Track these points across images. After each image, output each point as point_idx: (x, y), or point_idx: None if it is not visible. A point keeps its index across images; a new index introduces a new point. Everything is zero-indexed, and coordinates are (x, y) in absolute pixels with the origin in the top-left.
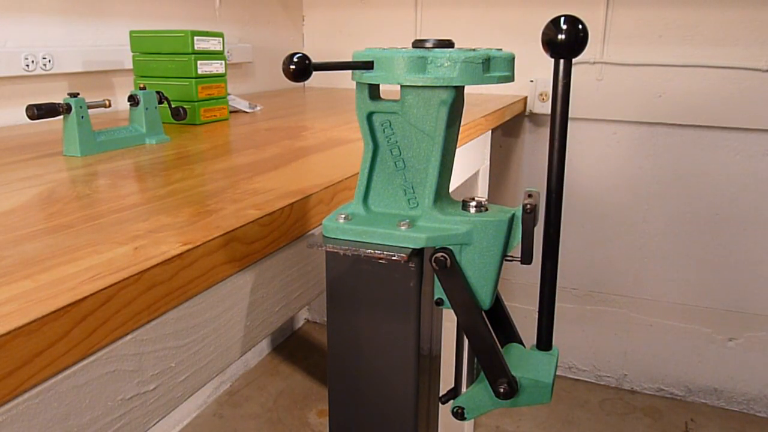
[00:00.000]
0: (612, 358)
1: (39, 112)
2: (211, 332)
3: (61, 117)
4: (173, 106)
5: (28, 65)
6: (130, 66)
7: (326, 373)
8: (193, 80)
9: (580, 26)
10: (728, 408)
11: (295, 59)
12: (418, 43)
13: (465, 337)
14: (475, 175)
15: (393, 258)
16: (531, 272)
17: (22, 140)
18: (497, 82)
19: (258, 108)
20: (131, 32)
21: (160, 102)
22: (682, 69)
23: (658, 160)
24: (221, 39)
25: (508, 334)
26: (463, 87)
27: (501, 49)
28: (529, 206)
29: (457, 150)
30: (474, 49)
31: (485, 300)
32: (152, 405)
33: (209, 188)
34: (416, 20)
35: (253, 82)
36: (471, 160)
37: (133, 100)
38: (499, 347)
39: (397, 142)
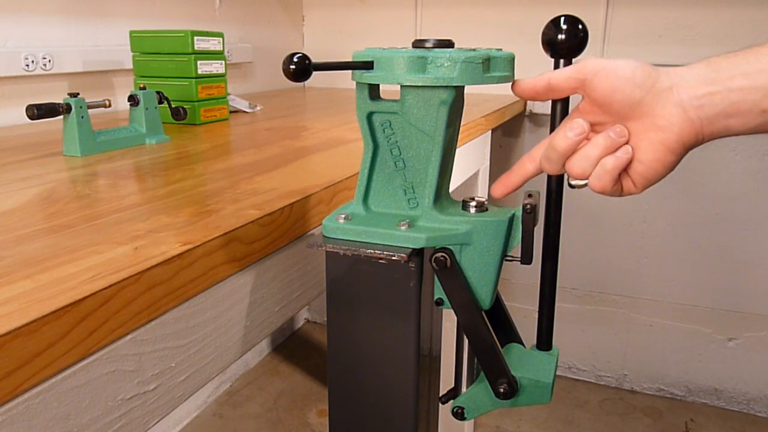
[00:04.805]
0: (612, 358)
1: (39, 112)
2: (211, 332)
3: (61, 117)
4: (173, 106)
5: (28, 65)
6: (130, 66)
7: (326, 373)
8: (193, 80)
9: (580, 26)
10: (728, 408)
11: (295, 59)
12: (418, 43)
13: (465, 337)
14: (475, 175)
15: (393, 258)
16: (531, 272)
17: (22, 140)
18: (497, 82)
19: (258, 108)
20: (131, 32)
21: (160, 102)
22: None
23: None
24: (221, 39)
25: (508, 334)
26: (463, 87)
27: (501, 49)
28: (529, 206)
29: (457, 150)
30: (474, 49)
31: (485, 300)
32: (152, 405)
33: (209, 188)
34: (416, 20)
35: (253, 82)
36: (471, 160)
37: (133, 100)
38: (499, 347)
39: (397, 142)
